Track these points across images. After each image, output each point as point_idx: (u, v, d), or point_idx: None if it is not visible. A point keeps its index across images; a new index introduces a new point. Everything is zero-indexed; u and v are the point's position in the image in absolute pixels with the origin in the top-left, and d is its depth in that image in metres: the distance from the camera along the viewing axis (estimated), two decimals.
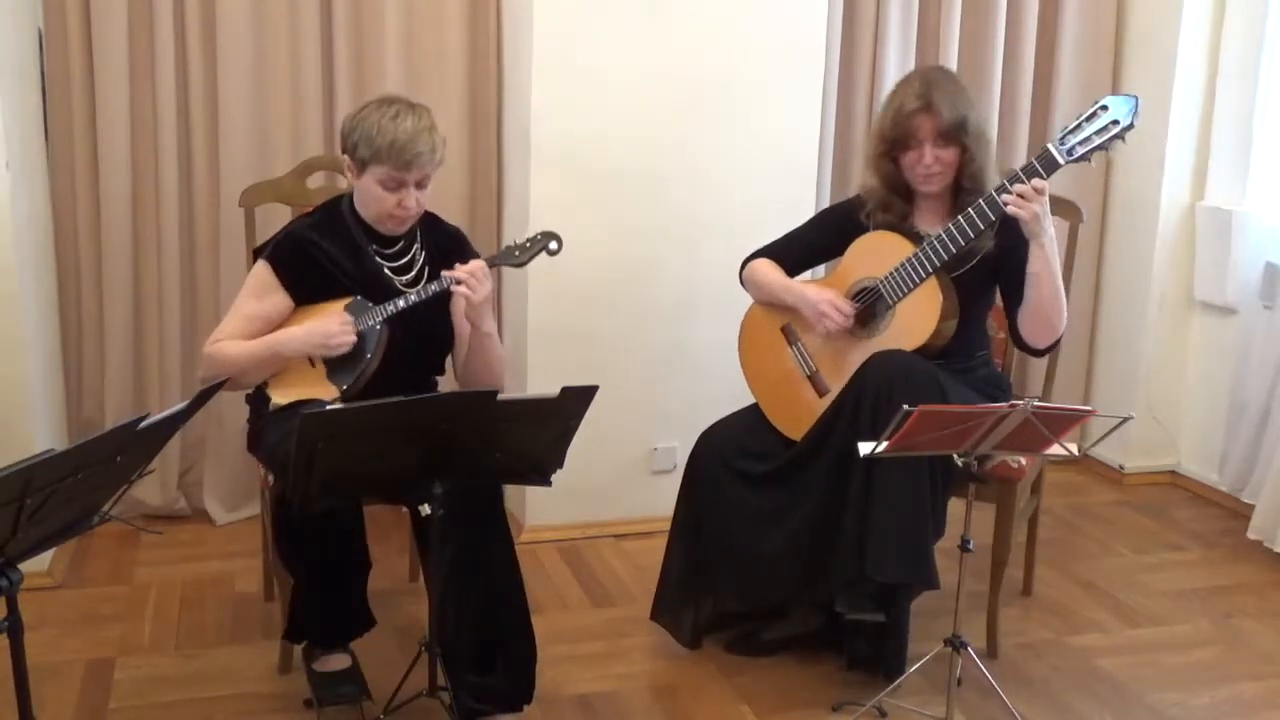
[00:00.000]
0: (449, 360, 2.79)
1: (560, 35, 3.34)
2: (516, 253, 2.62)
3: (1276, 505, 3.60)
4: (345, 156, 2.56)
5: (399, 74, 3.56)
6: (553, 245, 2.61)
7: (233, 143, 3.47)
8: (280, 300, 2.61)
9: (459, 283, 2.51)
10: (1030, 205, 2.52)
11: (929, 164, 2.69)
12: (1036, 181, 2.53)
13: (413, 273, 2.66)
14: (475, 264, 2.53)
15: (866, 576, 2.57)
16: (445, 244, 2.72)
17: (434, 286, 2.55)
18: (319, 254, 2.59)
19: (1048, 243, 2.58)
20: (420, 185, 2.55)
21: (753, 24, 3.49)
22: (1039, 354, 2.80)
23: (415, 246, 2.68)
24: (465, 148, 3.66)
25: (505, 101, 3.66)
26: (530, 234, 2.63)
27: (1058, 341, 2.75)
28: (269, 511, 2.74)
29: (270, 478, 2.60)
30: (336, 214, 2.65)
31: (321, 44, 3.52)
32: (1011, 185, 2.54)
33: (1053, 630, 3.13)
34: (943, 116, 2.65)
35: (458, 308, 2.65)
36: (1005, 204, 2.54)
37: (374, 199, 2.55)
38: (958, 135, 2.67)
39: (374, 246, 2.63)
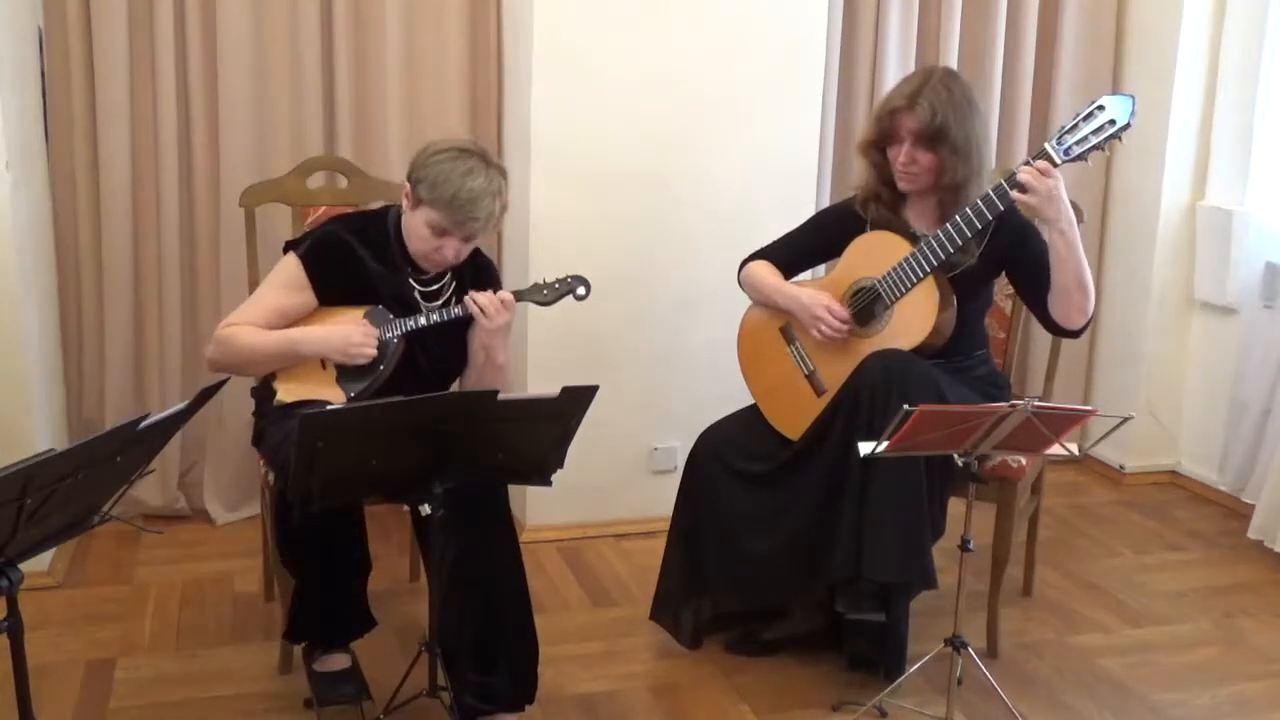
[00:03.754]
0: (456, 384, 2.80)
1: (560, 35, 3.34)
2: (544, 291, 2.63)
3: (1277, 505, 3.60)
4: (407, 183, 2.55)
5: (399, 74, 3.56)
6: (580, 290, 2.63)
7: (233, 142, 3.47)
8: (306, 299, 2.61)
9: (480, 308, 2.52)
10: (1038, 185, 2.49)
11: (905, 163, 2.70)
12: (1041, 163, 2.51)
13: (441, 300, 2.66)
14: (502, 295, 2.54)
15: (864, 576, 2.58)
16: (476, 274, 2.71)
17: (458, 310, 2.56)
18: (353, 260, 2.59)
19: (1067, 226, 2.55)
20: (466, 239, 2.55)
21: (753, 24, 3.49)
22: (1074, 335, 2.76)
23: (448, 273, 2.67)
24: None
25: (505, 102, 3.66)
26: (560, 275, 2.64)
27: (1089, 322, 2.71)
28: (269, 511, 2.74)
29: (271, 477, 2.60)
30: (381, 226, 2.65)
31: (322, 44, 3.51)
32: (1019, 174, 2.53)
33: (1053, 630, 3.13)
34: (921, 119, 2.64)
35: (476, 335, 2.65)
36: (1021, 183, 2.51)
37: (418, 236, 2.55)
38: (935, 142, 2.65)
39: (409, 267, 2.62)
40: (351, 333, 2.53)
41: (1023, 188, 2.51)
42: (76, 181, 3.45)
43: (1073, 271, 2.60)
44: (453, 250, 2.55)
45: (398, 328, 2.56)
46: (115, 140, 3.41)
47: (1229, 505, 3.97)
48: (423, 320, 2.55)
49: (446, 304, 2.64)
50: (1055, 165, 2.53)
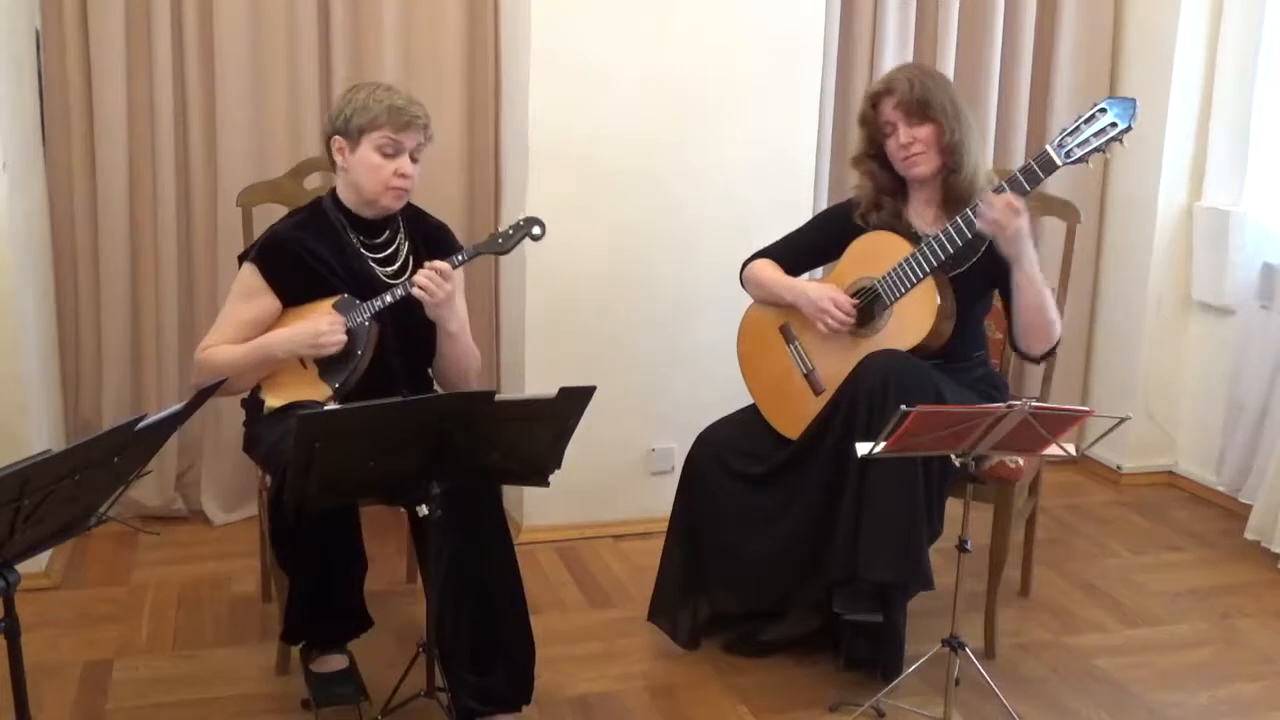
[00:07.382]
0: None
1: (558, 36, 3.34)
2: (500, 240, 2.63)
3: (1274, 505, 3.61)
4: (336, 138, 2.56)
5: (397, 74, 3.55)
6: (535, 230, 2.63)
7: (230, 143, 3.47)
8: (269, 302, 2.61)
9: (422, 289, 2.52)
10: (1004, 223, 2.52)
11: (907, 144, 2.71)
12: (1009, 198, 2.53)
13: (396, 264, 2.67)
14: (435, 266, 2.53)
15: (861, 576, 2.58)
16: (430, 236, 2.73)
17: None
18: (304, 252, 2.60)
19: (1028, 265, 2.61)
20: (413, 156, 2.57)
21: (750, 25, 3.49)
22: (1035, 360, 2.81)
23: (399, 236, 2.68)
24: (463, 148, 3.66)
25: (503, 102, 3.66)
26: (513, 221, 2.64)
27: (1053, 350, 2.76)
28: (266, 512, 2.74)
29: (268, 478, 2.60)
30: (319, 211, 2.67)
31: (319, 44, 3.51)
32: (996, 194, 2.54)
33: (1050, 630, 3.13)
34: (902, 93, 2.69)
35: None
36: (980, 215, 2.54)
37: (371, 169, 2.55)
38: (925, 110, 2.69)
39: (360, 238, 2.63)
40: (317, 323, 2.54)
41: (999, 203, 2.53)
42: (74, 181, 3.45)
43: (1032, 303, 2.65)
44: (410, 167, 2.57)
45: (366, 310, 2.56)
46: (113, 140, 3.41)
47: (1226, 505, 3.97)
48: (389, 297, 2.56)
49: (407, 273, 2.65)
50: (1057, 167, 2.55)
